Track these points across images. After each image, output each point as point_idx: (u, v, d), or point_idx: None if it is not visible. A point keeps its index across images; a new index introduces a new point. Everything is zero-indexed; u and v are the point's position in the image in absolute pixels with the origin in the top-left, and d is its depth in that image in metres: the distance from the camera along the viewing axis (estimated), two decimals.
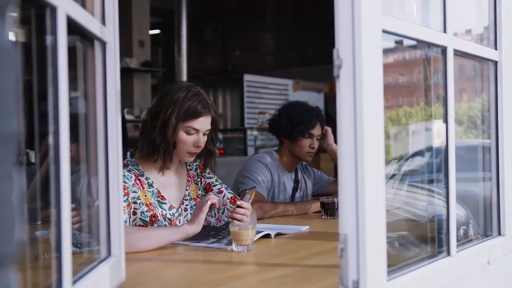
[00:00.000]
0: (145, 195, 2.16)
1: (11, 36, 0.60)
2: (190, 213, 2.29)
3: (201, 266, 1.70)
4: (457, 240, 1.53)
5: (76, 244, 1.31)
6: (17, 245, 0.58)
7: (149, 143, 2.18)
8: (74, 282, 1.08)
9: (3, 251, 0.56)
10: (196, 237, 2.04)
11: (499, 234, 1.79)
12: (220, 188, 2.37)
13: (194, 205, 2.31)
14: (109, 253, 1.36)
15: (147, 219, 2.13)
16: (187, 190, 2.32)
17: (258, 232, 2.02)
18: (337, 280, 1.18)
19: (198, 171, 2.39)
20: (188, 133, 2.17)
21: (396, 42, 1.45)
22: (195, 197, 2.35)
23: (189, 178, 2.35)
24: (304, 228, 2.32)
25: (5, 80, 0.56)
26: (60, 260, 0.99)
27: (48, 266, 1.11)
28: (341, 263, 1.17)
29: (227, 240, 1.97)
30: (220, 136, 7.74)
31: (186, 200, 2.31)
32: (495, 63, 1.79)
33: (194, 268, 1.69)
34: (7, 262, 0.56)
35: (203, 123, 2.18)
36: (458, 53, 1.56)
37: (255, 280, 1.52)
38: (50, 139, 0.98)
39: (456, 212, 1.55)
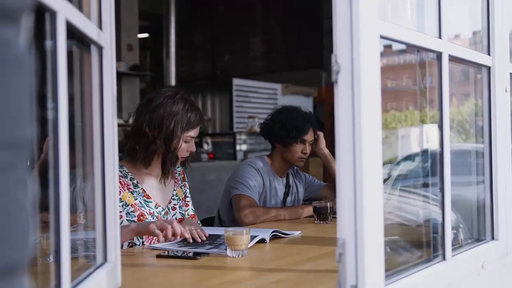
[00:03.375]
0: (128, 196, 2.22)
1: (25, 43, 0.60)
2: (180, 212, 2.40)
3: (196, 272, 1.69)
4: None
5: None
6: (31, 251, 0.57)
7: (150, 153, 2.24)
8: None
9: (18, 257, 0.55)
10: (192, 244, 2.03)
11: (493, 238, 1.80)
12: (189, 201, 2.50)
13: (181, 206, 2.42)
14: (105, 259, 1.35)
15: (135, 218, 2.19)
16: (175, 190, 2.41)
17: (253, 238, 2.01)
18: (334, 285, 1.18)
19: (181, 177, 2.50)
20: (186, 142, 2.28)
21: (385, 46, 1.45)
22: (182, 197, 2.45)
23: (176, 180, 2.44)
24: (297, 233, 2.32)
25: (20, 87, 0.56)
26: (59, 266, 0.98)
27: (44, 272, 1.10)
28: (339, 268, 1.17)
29: (225, 247, 1.97)
30: (209, 140, 7.73)
31: (174, 199, 2.40)
32: (488, 68, 1.80)
33: (190, 274, 1.68)
34: (21, 268, 0.56)
35: (198, 130, 2.33)
36: (452, 59, 1.57)
37: (252, 285, 1.52)
38: (50, 143, 0.97)
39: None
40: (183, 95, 2.32)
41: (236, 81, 7.99)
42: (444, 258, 1.50)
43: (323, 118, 7.45)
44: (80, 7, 1.21)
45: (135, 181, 2.26)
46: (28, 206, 0.57)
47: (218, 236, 2.17)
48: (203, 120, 2.34)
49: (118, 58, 7.51)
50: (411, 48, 1.58)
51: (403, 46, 1.56)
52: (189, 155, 2.36)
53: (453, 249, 1.55)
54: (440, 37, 1.51)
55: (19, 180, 0.56)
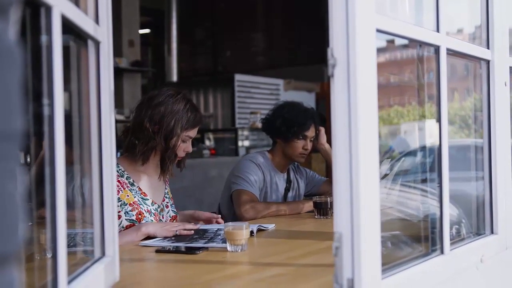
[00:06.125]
0: (127, 195, 2.24)
1: (14, 36, 0.60)
2: (172, 210, 2.43)
3: (195, 266, 1.69)
4: (450, 239, 1.53)
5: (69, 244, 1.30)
6: (21, 243, 0.58)
7: (149, 149, 2.26)
8: (69, 282, 1.07)
9: (7, 249, 0.56)
10: (184, 240, 2.02)
11: (492, 232, 1.80)
12: (172, 202, 2.49)
13: (172, 204, 2.45)
14: (103, 253, 1.35)
15: (133, 217, 2.20)
16: (166, 189, 2.45)
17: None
18: (331, 279, 1.18)
19: (168, 177, 2.51)
20: (183, 141, 2.30)
21: (387, 41, 1.45)
22: (171, 197, 2.48)
23: (167, 179, 2.47)
24: (271, 226, 2.34)
25: (9, 79, 0.56)
26: (56, 260, 0.99)
27: (41, 267, 1.11)
28: (335, 261, 1.18)
29: (221, 239, 1.96)
30: (211, 136, 7.73)
31: (166, 197, 2.43)
32: (488, 62, 1.80)
33: (188, 268, 1.68)
34: (11, 260, 0.56)
35: (196, 131, 2.35)
36: (450, 52, 1.57)
37: (251, 279, 1.52)
38: (45, 140, 0.98)
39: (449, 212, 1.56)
40: (185, 95, 2.34)
41: (238, 77, 7.99)
42: (442, 252, 1.51)
43: (326, 114, 7.44)
44: (76, 2, 1.21)
45: (131, 180, 2.28)
46: (18, 197, 0.57)
47: (206, 231, 2.17)
48: (202, 122, 2.37)
49: (120, 54, 7.52)
50: (412, 42, 1.58)
51: (405, 41, 1.56)
52: (185, 156, 2.38)
53: (452, 243, 1.55)
54: (438, 30, 1.50)
55: (9, 171, 0.56)
